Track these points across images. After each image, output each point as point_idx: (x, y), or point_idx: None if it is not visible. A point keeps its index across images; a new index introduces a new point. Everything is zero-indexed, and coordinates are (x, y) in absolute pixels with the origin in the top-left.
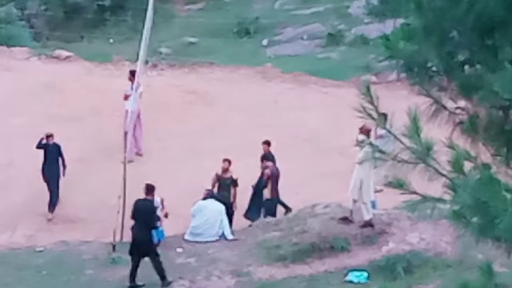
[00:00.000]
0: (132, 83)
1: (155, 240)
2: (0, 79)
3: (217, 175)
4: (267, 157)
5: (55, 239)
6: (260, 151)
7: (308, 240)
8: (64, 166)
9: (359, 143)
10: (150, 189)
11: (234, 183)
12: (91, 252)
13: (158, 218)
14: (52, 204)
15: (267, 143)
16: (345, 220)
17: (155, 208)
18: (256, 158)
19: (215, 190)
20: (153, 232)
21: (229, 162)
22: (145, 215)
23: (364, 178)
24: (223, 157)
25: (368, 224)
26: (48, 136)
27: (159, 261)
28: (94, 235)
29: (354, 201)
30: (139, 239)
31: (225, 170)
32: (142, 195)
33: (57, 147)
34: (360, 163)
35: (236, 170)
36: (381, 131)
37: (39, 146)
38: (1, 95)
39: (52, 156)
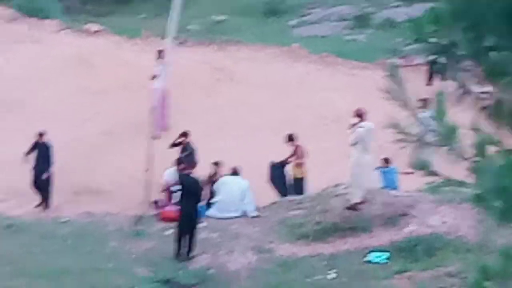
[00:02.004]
0: (160, 62)
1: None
2: (30, 51)
3: (209, 176)
4: (292, 136)
5: (80, 210)
6: (285, 131)
7: (330, 219)
8: (49, 166)
9: (352, 126)
10: (192, 164)
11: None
12: (115, 224)
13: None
14: (46, 202)
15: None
16: (353, 209)
17: (199, 182)
18: (279, 138)
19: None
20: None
21: (218, 164)
22: (192, 189)
23: (357, 160)
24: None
25: (354, 207)
26: (41, 135)
27: (195, 237)
28: (119, 207)
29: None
30: (189, 213)
31: (215, 174)
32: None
33: (47, 147)
34: (353, 145)
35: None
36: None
37: (32, 148)
38: (31, 67)
39: (43, 155)
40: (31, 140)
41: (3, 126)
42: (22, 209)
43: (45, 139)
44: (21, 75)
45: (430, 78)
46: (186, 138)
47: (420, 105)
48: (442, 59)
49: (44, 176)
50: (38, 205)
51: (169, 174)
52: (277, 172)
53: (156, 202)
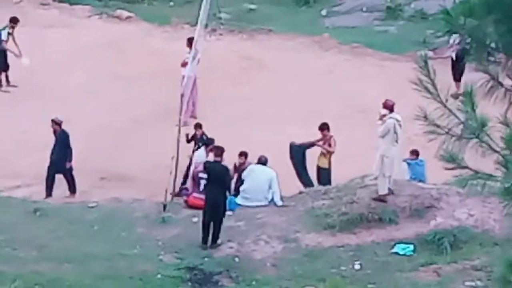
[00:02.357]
0: (190, 50)
1: (228, 208)
2: (61, 36)
3: (235, 165)
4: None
5: (108, 196)
6: (312, 121)
7: (357, 210)
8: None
9: (381, 117)
10: (220, 151)
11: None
12: (142, 210)
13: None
14: (73, 187)
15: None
16: (381, 200)
17: (227, 170)
18: (307, 127)
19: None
20: (231, 198)
21: (246, 155)
22: (219, 177)
23: (386, 152)
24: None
25: (381, 199)
26: (58, 124)
27: (221, 225)
28: (146, 194)
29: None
30: (215, 201)
31: (242, 163)
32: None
33: (66, 136)
34: (382, 137)
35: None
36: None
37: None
38: (62, 52)
39: (61, 144)
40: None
41: (32, 111)
42: None
43: (62, 128)
44: (51, 60)
45: (458, 71)
46: (196, 130)
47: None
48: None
49: (68, 165)
50: (70, 193)
51: (200, 155)
52: (298, 153)
53: (182, 189)
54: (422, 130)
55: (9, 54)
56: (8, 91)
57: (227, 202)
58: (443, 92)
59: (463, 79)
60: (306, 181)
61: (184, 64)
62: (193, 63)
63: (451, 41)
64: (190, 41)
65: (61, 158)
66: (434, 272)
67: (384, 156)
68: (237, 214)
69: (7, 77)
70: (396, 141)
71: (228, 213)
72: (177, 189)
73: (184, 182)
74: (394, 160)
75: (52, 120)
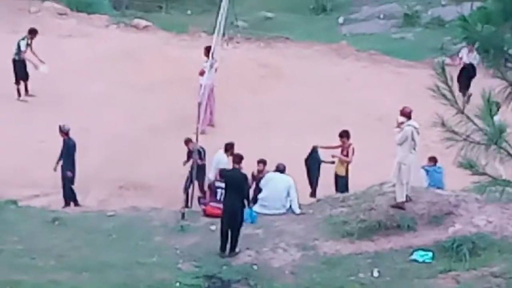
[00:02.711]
0: (207, 58)
1: (248, 220)
2: (79, 46)
3: (253, 174)
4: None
5: (126, 205)
6: (330, 128)
7: (375, 217)
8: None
9: (399, 125)
10: (239, 158)
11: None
12: (160, 219)
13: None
14: (69, 198)
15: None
16: (399, 207)
17: (246, 177)
18: (325, 135)
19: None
20: (246, 210)
21: (264, 163)
22: (237, 184)
23: (403, 159)
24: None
25: (399, 206)
26: (65, 132)
27: (239, 233)
28: (164, 202)
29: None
30: (233, 209)
31: (261, 171)
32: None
33: (71, 145)
34: (400, 144)
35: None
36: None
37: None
38: (79, 62)
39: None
40: (74, 136)
41: (49, 120)
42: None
43: (68, 136)
44: (68, 70)
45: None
46: (188, 145)
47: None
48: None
49: (68, 174)
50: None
51: (220, 160)
52: (315, 161)
53: (200, 198)
54: (440, 137)
55: (28, 64)
56: (26, 101)
57: (247, 214)
58: (460, 98)
59: (479, 87)
60: (313, 182)
61: (202, 73)
62: (210, 72)
63: (461, 54)
64: (207, 50)
65: (64, 167)
66: (453, 279)
67: (402, 164)
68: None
69: (26, 86)
70: (414, 149)
71: (245, 221)
72: (195, 198)
73: (187, 197)
74: (411, 167)
75: (59, 128)
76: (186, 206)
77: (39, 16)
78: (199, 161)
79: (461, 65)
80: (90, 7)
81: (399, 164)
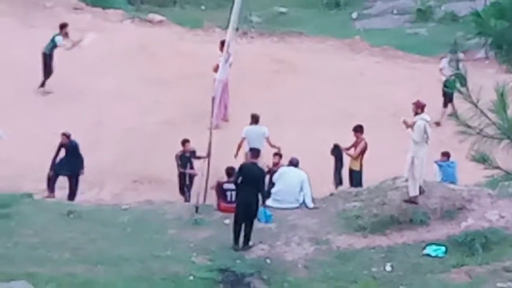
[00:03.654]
0: (222, 53)
1: (263, 221)
2: (94, 40)
3: (268, 167)
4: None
5: (140, 198)
6: (344, 123)
7: (388, 212)
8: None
9: (410, 125)
10: (257, 153)
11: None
12: (174, 212)
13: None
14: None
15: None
16: (412, 202)
17: (264, 172)
18: (338, 129)
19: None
20: (262, 210)
21: (280, 156)
22: (254, 178)
23: (416, 153)
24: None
25: (412, 201)
26: (66, 136)
27: (252, 227)
28: (178, 196)
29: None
30: (247, 202)
31: (276, 164)
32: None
33: (75, 146)
34: (417, 140)
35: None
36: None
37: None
38: (94, 56)
39: (72, 154)
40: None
41: (65, 114)
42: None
43: (70, 139)
44: (84, 64)
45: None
46: (183, 145)
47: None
48: (505, 53)
49: (81, 172)
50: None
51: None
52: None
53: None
54: (453, 131)
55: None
56: (48, 93)
57: (261, 214)
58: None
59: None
60: (338, 180)
61: (216, 68)
62: (225, 66)
63: (441, 65)
64: (222, 44)
65: (74, 166)
66: (466, 274)
67: (415, 158)
68: None
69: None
70: (426, 142)
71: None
72: (209, 191)
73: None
74: (424, 161)
75: (63, 134)
76: (182, 194)
77: (54, 11)
78: (182, 169)
79: (443, 78)
80: (105, 2)
81: (412, 158)
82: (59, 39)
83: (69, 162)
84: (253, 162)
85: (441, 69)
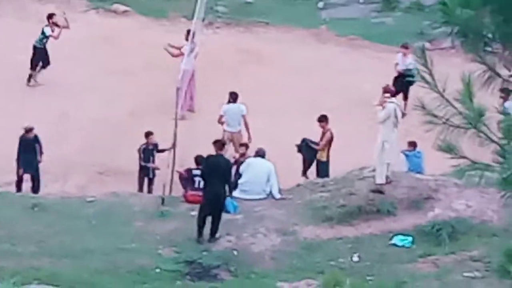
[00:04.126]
0: (188, 42)
1: (231, 211)
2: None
3: (235, 158)
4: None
5: (105, 190)
6: (310, 113)
7: (355, 202)
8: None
9: (382, 103)
10: (222, 145)
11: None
12: (140, 204)
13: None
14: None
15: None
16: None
17: (230, 163)
18: (305, 120)
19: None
20: (229, 201)
21: (246, 146)
22: (220, 171)
23: (386, 137)
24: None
25: (379, 190)
26: (28, 131)
27: (220, 219)
28: (143, 188)
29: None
30: (215, 194)
31: (243, 155)
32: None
33: (36, 140)
34: (383, 122)
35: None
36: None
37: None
38: (59, 46)
39: (33, 148)
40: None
41: (30, 105)
42: (47, 188)
43: (32, 134)
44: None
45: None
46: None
47: (502, 95)
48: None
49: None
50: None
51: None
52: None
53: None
54: (420, 121)
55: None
56: (40, 84)
57: (228, 204)
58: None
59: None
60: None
61: (177, 55)
62: (190, 56)
63: (396, 60)
64: (188, 33)
65: (37, 161)
66: (432, 264)
67: (385, 142)
68: None
69: (32, 72)
70: (396, 126)
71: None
72: (175, 183)
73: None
74: (394, 147)
75: (28, 129)
76: (141, 190)
77: (19, 1)
78: (143, 163)
79: (396, 72)
80: None
81: (382, 142)
82: (47, 30)
83: (34, 158)
84: (218, 153)
85: (396, 64)
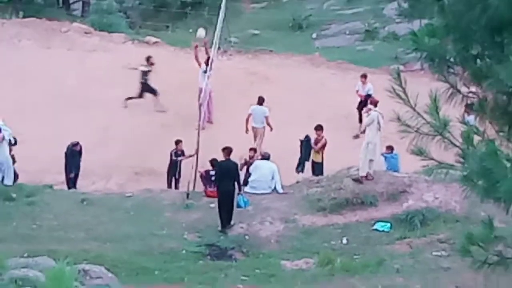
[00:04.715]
0: (206, 66)
1: (242, 206)
2: (102, 58)
3: (245, 160)
4: (321, 127)
5: (141, 187)
6: (307, 124)
7: (344, 195)
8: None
9: (368, 111)
10: (229, 151)
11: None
12: (169, 198)
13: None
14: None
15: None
16: (358, 180)
17: (237, 166)
18: (303, 129)
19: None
20: (240, 197)
21: (255, 150)
22: (229, 172)
23: (370, 139)
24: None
25: (359, 180)
26: (75, 144)
27: (233, 210)
28: (171, 185)
29: (370, 161)
30: (226, 191)
31: (251, 157)
32: (211, 155)
33: (79, 153)
34: (368, 126)
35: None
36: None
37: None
38: (101, 71)
39: (77, 160)
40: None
41: (78, 118)
42: (94, 186)
43: (78, 147)
44: (93, 78)
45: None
46: (176, 145)
47: (466, 109)
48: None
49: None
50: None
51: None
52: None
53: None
54: (396, 130)
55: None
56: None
57: (240, 201)
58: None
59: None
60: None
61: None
62: (203, 76)
63: (357, 87)
64: (208, 60)
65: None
66: (407, 245)
67: (369, 143)
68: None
69: (137, 96)
70: (379, 130)
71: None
72: (197, 180)
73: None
74: (377, 147)
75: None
76: (169, 187)
77: (69, 34)
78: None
79: (359, 98)
80: (110, 27)
81: (367, 143)
82: (143, 68)
83: (78, 164)
84: (227, 158)
85: (357, 91)
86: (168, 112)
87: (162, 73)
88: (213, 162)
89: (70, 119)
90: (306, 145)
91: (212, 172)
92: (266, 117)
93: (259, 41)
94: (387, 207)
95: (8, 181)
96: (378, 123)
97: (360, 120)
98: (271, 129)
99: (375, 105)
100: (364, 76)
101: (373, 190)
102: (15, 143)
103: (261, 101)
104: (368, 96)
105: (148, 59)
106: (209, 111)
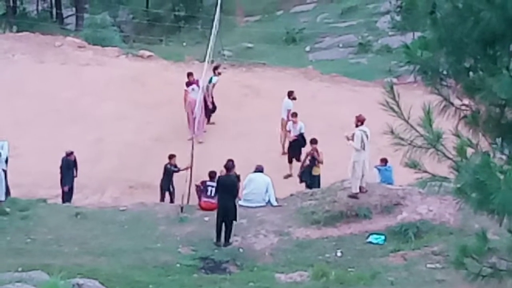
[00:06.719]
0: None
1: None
2: (95, 72)
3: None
4: (316, 141)
5: (135, 201)
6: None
7: (338, 208)
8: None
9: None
10: (232, 166)
11: (237, 178)
12: (163, 212)
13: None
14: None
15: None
16: (354, 197)
17: (237, 181)
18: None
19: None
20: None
21: (232, 162)
22: (229, 187)
23: (356, 157)
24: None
25: (354, 196)
26: (69, 154)
27: (232, 227)
28: (166, 199)
29: (361, 177)
30: (226, 206)
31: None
32: (206, 168)
33: (74, 163)
34: (357, 147)
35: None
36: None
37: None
38: (95, 85)
39: (70, 167)
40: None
41: (72, 132)
42: (87, 200)
43: (72, 156)
44: (87, 92)
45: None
46: (170, 160)
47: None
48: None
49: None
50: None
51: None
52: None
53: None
54: (389, 142)
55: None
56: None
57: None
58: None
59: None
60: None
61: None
62: (194, 91)
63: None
64: (190, 74)
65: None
66: (401, 257)
67: (355, 162)
68: (240, 213)
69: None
70: (363, 148)
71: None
72: (191, 194)
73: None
74: (365, 163)
75: (68, 153)
76: (162, 201)
77: (62, 48)
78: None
79: (291, 138)
80: (104, 41)
81: (353, 162)
82: (214, 79)
83: (72, 175)
84: (228, 174)
85: (289, 131)
86: (162, 126)
87: (156, 86)
88: (212, 174)
89: (64, 133)
90: (301, 139)
91: (209, 183)
92: (288, 111)
93: (253, 54)
94: (381, 219)
95: (1, 196)
96: (363, 141)
97: (290, 161)
98: (288, 120)
99: (362, 123)
100: (294, 115)
101: (367, 203)
102: (6, 161)
103: (289, 94)
104: (301, 136)
105: (215, 69)
106: (202, 123)
